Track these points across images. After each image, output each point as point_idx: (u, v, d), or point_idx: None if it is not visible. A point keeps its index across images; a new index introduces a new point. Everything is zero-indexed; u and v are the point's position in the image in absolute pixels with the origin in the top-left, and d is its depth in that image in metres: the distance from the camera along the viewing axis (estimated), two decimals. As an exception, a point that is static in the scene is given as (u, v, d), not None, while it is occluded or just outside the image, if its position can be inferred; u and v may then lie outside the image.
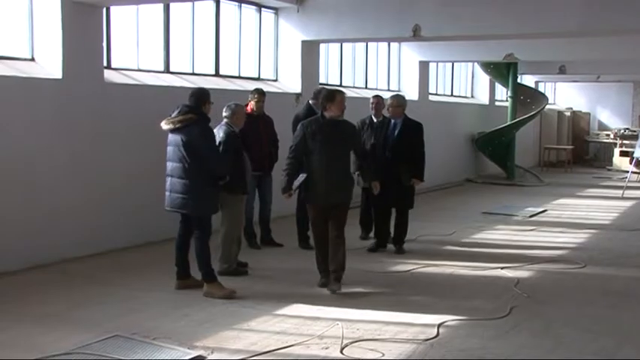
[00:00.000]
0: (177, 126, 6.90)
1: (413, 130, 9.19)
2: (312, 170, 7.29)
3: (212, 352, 5.50)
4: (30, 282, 7.36)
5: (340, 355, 5.56)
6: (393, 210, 9.36)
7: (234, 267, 7.89)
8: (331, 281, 7.29)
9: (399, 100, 9.27)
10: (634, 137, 20.49)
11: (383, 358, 5.54)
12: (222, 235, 7.81)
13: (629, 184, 16.89)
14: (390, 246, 9.35)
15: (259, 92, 9.13)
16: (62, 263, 8.09)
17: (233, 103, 8.00)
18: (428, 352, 5.68)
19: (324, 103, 7.37)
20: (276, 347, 5.65)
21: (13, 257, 7.71)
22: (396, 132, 9.13)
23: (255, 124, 8.78)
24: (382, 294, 7.34)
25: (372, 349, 5.70)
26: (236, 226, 7.90)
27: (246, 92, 10.19)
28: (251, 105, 8.94)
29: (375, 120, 9.49)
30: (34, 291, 7.05)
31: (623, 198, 15.74)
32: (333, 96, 7.35)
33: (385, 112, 9.42)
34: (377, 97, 9.74)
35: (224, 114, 7.85)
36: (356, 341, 5.85)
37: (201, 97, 7.08)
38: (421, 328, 6.22)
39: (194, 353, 5.42)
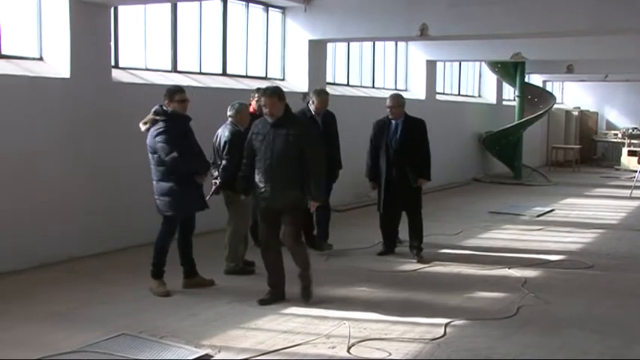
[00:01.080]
0: (146, 127, 7.05)
1: (416, 129, 8.88)
2: (256, 172, 6.81)
3: (219, 351, 5.51)
4: (37, 281, 7.37)
5: (347, 355, 5.56)
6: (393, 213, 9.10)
7: (240, 266, 7.90)
8: (302, 292, 6.91)
9: (399, 100, 8.90)
10: (642, 137, 20.41)
11: (390, 357, 5.54)
12: (229, 234, 7.83)
13: (637, 184, 16.79)
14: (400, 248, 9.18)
15: (259, 92, 9.04)
16: (69, 262, 8.11)
17: (237, 102, 8.02)
18: (435, 352, 5.68)
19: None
20: (282, 346, 5.65)
21: (20, 256, 7.73)
22: (399, 133, 8.80)
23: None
24: (389, 293, 7.33)
25: (378, 349, 5.70)
26: (242, 224, 7.91)
27: (253, 92, 10.20)
28: (253, 105, 8.93)
29: (394, 122, 9.11)
30: (41, 290, 7.07)
31: (631, 198, 15.69)
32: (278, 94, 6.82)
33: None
34: (396, 97, 9.26)
35: (228, 113, 7.88)
36: (363, 340, 5.85)
37: (165, 95, 7.05)
38: (428, 327, 6.21)
39: (201, 352, 5.43)
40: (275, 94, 6.76)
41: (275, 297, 6.89)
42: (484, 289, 7.59)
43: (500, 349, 5.78)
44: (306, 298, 6.86)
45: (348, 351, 5.62)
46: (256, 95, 8.96)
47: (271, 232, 6.88)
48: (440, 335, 6.03)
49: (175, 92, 7.00)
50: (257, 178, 6.77)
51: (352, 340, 5.80)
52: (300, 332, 6.00)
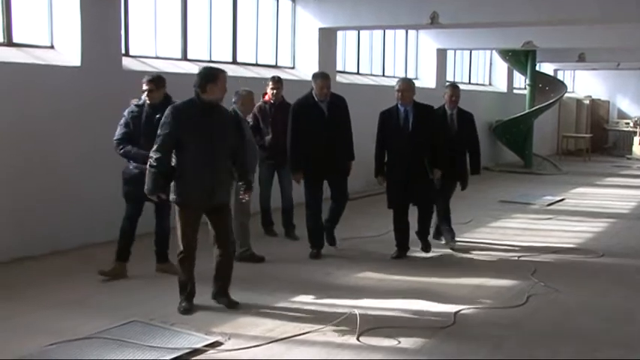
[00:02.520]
0: None
1: (427, 115, 8.25)
2: (185, 166, 6.06)
3: (229, 338, 5.54)
4: (51, 267, 7.42)
5: (356, 342, 5.58)
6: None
7: (251, 251, 7.91)
8: (222, 299, 6.37)
9: (410, 84, 8.27)
10: (654, 126, 20.33)
11: (399, 345, 5.55)
12: (234, 221, 7.85)
13: (649, 173, 16.79)
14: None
15: (274, 80, 9.04)
16: (82, 249, 8.16)
17: (242, 89, 8.01)
18: (444, 340, 5.69)
19: (202, 84, 6.11)
20: (292, 334, 5.68)
21: (35, 242, 7.81)
22: (411, 120, 8.09)
23: (269, 112, 8.82)
24: (398, 281, 7.34)
25: (388, 337, 5.71)
26: (240, 211, 7.88)
27: (263, 79, 10.19)
28: (268, 94, 8.92)
29: (448, 112, 8.79)
30: (54, 276, 7.11)
31: (642, 187, 15.66)
32: (215, 75, 6.17)
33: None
34: (455, 87, 8.96)
35: (232, 100, 7.88)
36: (372, 328, 5.86)
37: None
38: (437, 315, 6.22)
39: (211, 339, 5.46)
40: None
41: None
42: (494, 277, 7.59)
43: (510, 337, 5.79)
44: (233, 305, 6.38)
45: (358, 339, 5.64)
46: (271, 83, 8.95)
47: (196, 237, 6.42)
48: (449, 323, 6.04)
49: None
50: (188, 173, 6.12)
51: (361, 328, 5.81)
52: (309, 320, 6.02)
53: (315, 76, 8.26)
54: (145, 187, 6.07)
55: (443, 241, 8.96)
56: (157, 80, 7.13)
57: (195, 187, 6.04)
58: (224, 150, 6.21)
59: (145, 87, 7.05)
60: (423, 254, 8.46)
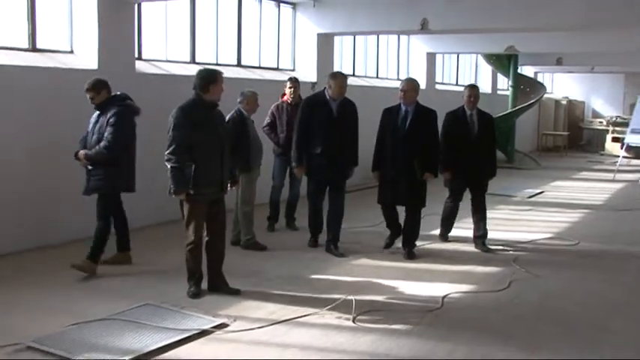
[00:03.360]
0: None
1: (427, 119, 7.70)
2: (197, 163, 5.98)
3: (234, 320, 5.55)
4: (70, 255, 7.40)
5: (352, 325, 5.59)
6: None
7: (254, 240, 7.91)
8: (222, 287, 6.28)
9: (414, 84, 7.77)
10: (625, 124, 20.35)
11: (392, 327, 5.56)
12: (239, 210, 7.94)
13: (620, 168, 16.80)
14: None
15: (291, 80, 8.88)
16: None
17: (247, 89, 7.97)
18: (433, 322, 5.70)
19: (204, 85, 6.08)
20: (292, 316, 5.68)
21: (55, 231, 7.82)
22: (408, 121, 7.60)
23: (287, 111, 8.70)
24: (391, 268, 7.34)
25: (381, 319, 5.72)
26: (243, 202, 7.89)
27: (265, 81, 10.21)
28: (287, 94, 8.83)
29: (468, 112, 8.21)
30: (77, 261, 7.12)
31: (614, 181, 15.66)
32: (215, 77, 6.15)
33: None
34: (474, 88, 8.44)
35: (238, 100, 7.87)
36: (367, 312, 5.86)
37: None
38: (427, 299, 6.23)
39: (218, 321, 5.47)
40: None
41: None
42: (479, 264, 7.60)
43: (493, 319, 5.80)
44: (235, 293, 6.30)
45: (353, 321, 5.65)
46: (289, 83, 8.84)
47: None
48: (438, 307, 6.05)
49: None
50: (200, 170, 6.06)
51: (357, 312, 5.82)
52: (308, 304, 6.02)
53: (334, 75, 7.82)
54: (171, 188, 5.98)
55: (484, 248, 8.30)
56: (95, 86, 6.82)
57: (209, 182, 6.03)
58: (227, 146, 6.24)
59: (87, 96, 6.82)
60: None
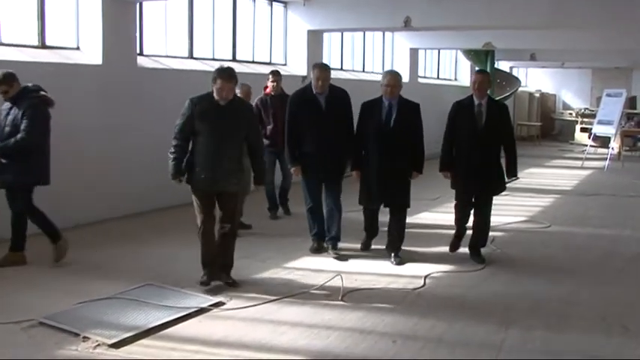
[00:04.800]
0: None
1: (412, 113, 6.73)
2: (197, 153, 5.73)
3: (231, 299, 5.56)
4: (81, 238, 7.39)
5: (340, 302, 5.60)
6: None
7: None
8: (222, 276, 5.92)
9: (398, 78, 6.76)
10: (592, 116, 20.40)
11: (378, 304, 5.58)
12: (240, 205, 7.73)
13: (588, 156, 16.89)
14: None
15: (273, 73, 8.69)
16: (105, 222, 8.14)
17: (241, 82, 7.70)
18: (416, 300, 5.73)
19: (212, 80, 5.67)
20: (284, 295, 5.69)
21: (65, 217, 7.75)
22: (394, 115, 6.63)
23: (270, 104, 8.54)
24: (376, 250, 7.31)
25: (368, 297, 5.74)
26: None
27: (259, 75, 10.15)
28: (269, 87, 8.75)
29: (476, 102, 6.73)
30: (81, 246, 7.07)
31: (582, 168, 15.74)
32: (214, 79, 5.64)
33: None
34: (482, 73, 7.06)
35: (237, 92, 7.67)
36: (354, 290, 5.88)
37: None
38: (410, 279, 6.25)
39: (215, 299, 5.48)
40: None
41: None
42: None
43: (471, 296, 5.83)
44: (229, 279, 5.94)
45: (341, 299, 5.66)
46: (271, 76, 8.66)
47: (211, 216, 5.90)
48: (420, 285, 6.08)
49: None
50: (200, 159, 5.72)
51: (345, 290, 5.84)
52: (299, 283, 6.03)
53: (313, 66, 7.06)
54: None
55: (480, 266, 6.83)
56: (7, 79, 6.15)
57: (202, 173, 5.67)
58: (233, 141, 5.73)
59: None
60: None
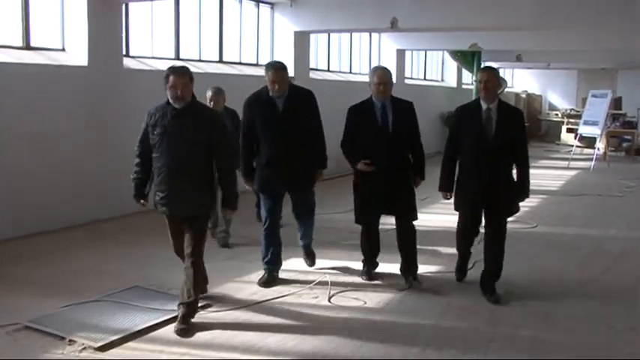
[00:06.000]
0: None
1: (407, 113, 5.94)
2: (156, 171, 4.96)
3: (218, 301, 5.54)
4: (65, 240, 7.35)
5: (328, 304, 5.61)
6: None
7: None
8: (176, 323, 4.92)
9: (389, 75, 5.90)
10: (578, 116, 20.54)
11: (365, 305, 5.59)
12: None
13: (574, 157, 17.01)
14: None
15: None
16: (91, 224, 8.11)
17: (214, 86, 7.35)
18: (403, 300, 5.74)
19: (167, 76, 4.87)
20: (272, 297, 5.69)
21: (51, 219, 7.75)
22: (390, 119, 5.82)
23: None
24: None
25: (355, 298, 5.75)
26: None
27: (245, 76, 10.15)
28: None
29: (484, 107, 5.59)
30: (68, 247, 7.05)
31: (568, 168, 15.84)
32: (166, 77, 4.86)
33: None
34: (488, 70, 5.75)
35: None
36: (342, 291, 5.89)
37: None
38: (398, 279, 6.25)
39: (202, 302, 5.44)
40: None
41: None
42: (445, 246, 7.60)
43: (458, 296, 5.84)
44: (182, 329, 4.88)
45: (329, 300, 5.67)
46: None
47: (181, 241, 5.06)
48: (408, 286, 6.07)
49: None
50: (158, 178, 4.97)
51: (332, 291, 5.84)
52: (287, 285, 6.02)
53: (266, 66, 5.86)
54: None
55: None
56: None
57: (162, 194, 4.95)
58: (192, 154, 4.84)
59: None
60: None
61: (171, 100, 4.85)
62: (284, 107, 5.78)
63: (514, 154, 5.62)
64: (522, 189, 5.74)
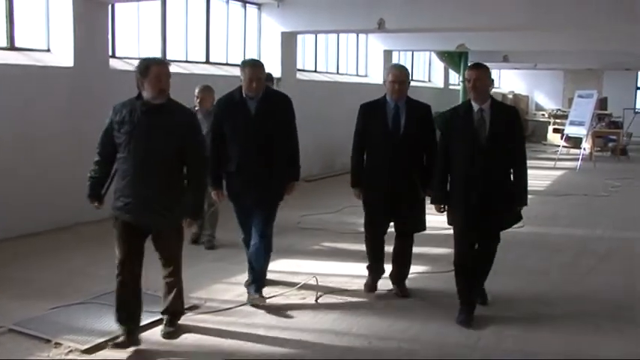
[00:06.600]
0: None
1: (424, 117, 5.56)
2: (120, 173, 4.48)
3: (205, 302, 5.53)
4: (52, 242, 7.31)
5: (315, 304, 5.61)
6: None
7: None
8: (163, 326, 4.81)
9: (406, 74, 5.55)
10: (564, 117, 20.66)
11: (352, 306, 5.59)
12: (210, 214, 7.36)
13: (560, 157, 17.10)
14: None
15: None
16: (76, 226, 8.05)
17: (202, 84, 7.36)
18: (390, 301, 5.75)
19: (137, 79, 4.42)
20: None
21: (36, 221, 7.71)
22: (403, 121, 5.43)
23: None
24: (350, 251, 7.33)
25: (342, 299, 5.75)
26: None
27: (232, 77, 10.10)
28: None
29: (475, 108, 5.09)
30: (54, 249, 7.02)
31: (555, 168, 15.92)
32: (146, 68, 4.36)
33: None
34: (477, 68, 5.17)
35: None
36: (329, 292, 5.89)
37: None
38: (385, 279, 6.23)
39: (189, 303, 5.43)
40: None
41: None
42: (432, 246, 7.63)
43: (445, 297, 5.84)
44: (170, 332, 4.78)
45: (316, 301, 5.67)
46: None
47: (133, 259, 4.61)
48: (393, 288, 6.07)
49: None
50: (122, 181, 4.47)
51: (320, 292, 5.84)
52: (274, 285, 6.00)
53: (243, 64, 5.44)
54: None
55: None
56: None
57: (123, 200, 4.45)
58: (162, 158, 4.37)
59: None
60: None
61: (152, 95, 4.32)
62: (257, 110, 5.30)
63: (511, 158, 5.10)
64: (521, 197, 5.25)
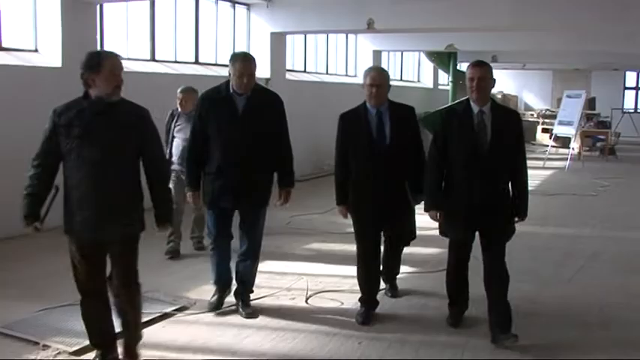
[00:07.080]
0: None
1: (408, 121, 5.15)
2: (68, 183, 3.94)
3: (194, 303, 5.51)
4: (37, 244, 7.24)
5: (305, 305, 5.61)
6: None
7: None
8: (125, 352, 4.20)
9: (384, 75, 5.11)
10: (553, 117, 20.76)
11: (342, 306, 5.60)
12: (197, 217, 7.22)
13: (549, 156, 17.18)
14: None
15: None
16: (61, 228, 7.98)
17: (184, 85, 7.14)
18: (380, 301, 5.73)
19: (85, 75, 3.89)
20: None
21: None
22: (387, 128, 4.97)
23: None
24: (340, 251, 7.33)
25: (332, 299, 5.76)
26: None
27: (222, 78, 10.07)
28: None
29: (475, 110, 4.78)
30: (43, 250, 6.95)
31: (544, 168, 15.98)
32: (98, 63, 3.86)
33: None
34: (481, 65, 4.95)
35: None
36: (319, 292, 5.89)
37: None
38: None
39: (179, 304, 5.44)
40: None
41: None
42: (422, 247, 7.60)
43: (435, 297, 5.85)
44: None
45: (306, 302, 5.67)
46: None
47: (93, 275, 4.09)
48: (385, 287, 6.08)
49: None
50: (73, 193, 3.98)
51: (310, 292, 5.85)
52: (264, 286, 5.97)
53: (233, 57, 5.06)
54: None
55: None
56: None
57: (77, 213, 3.99)
58: (118, 161, 3.90)
59: None
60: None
61: (107, 92, 3.86)
62: (244, 108, 4.94)
63: (512, 164, 4.76)
64: (521, 205, 4.92)
